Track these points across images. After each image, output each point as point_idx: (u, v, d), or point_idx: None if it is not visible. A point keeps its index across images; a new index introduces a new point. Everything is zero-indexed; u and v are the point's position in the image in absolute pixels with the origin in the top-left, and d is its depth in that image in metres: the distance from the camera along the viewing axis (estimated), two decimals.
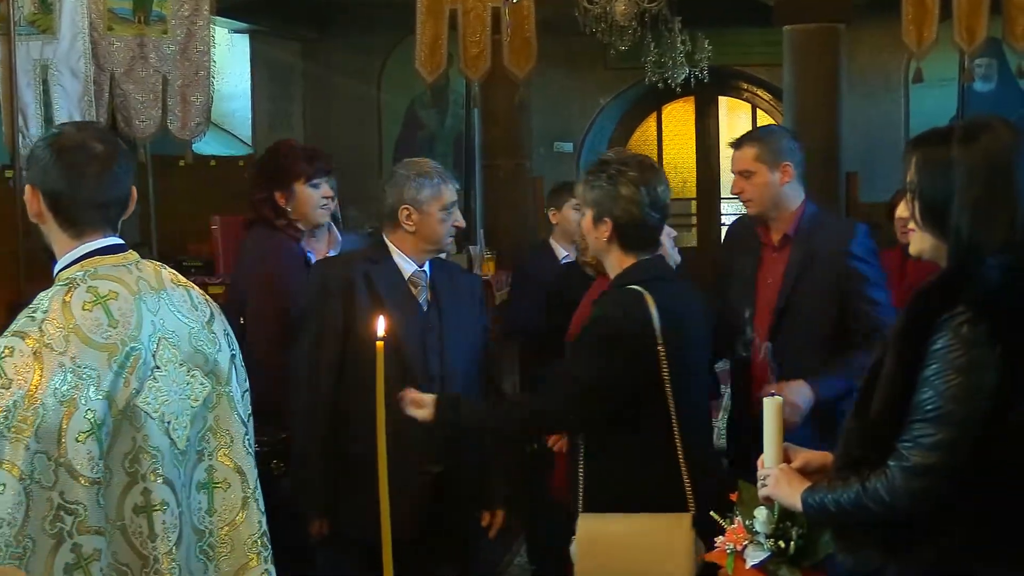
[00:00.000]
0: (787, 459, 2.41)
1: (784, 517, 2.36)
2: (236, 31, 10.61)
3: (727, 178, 5.22)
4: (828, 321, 3.68)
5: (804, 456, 2.42)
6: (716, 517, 2.48)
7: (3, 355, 2.17)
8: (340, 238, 4.93)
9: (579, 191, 3.24)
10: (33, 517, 2.13)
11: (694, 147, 12.53)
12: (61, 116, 5.28)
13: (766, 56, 10.39)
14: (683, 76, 9.02)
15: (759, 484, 2.42)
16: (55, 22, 5.25)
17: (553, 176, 10.21)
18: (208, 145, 7.73)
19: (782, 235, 3.83)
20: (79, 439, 2.16)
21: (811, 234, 3.76)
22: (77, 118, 5.27)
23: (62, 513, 2.15)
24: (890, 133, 10.59)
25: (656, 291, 3.03)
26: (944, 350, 2.09)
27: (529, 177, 8.93)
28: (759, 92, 11.84)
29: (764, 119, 11.97)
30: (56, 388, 2.16)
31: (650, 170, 3.13)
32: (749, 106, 12.26)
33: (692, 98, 11.62)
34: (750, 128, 12.49)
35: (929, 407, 2.09)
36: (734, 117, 12.53)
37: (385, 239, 3.57)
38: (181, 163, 5.83)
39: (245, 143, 10.70)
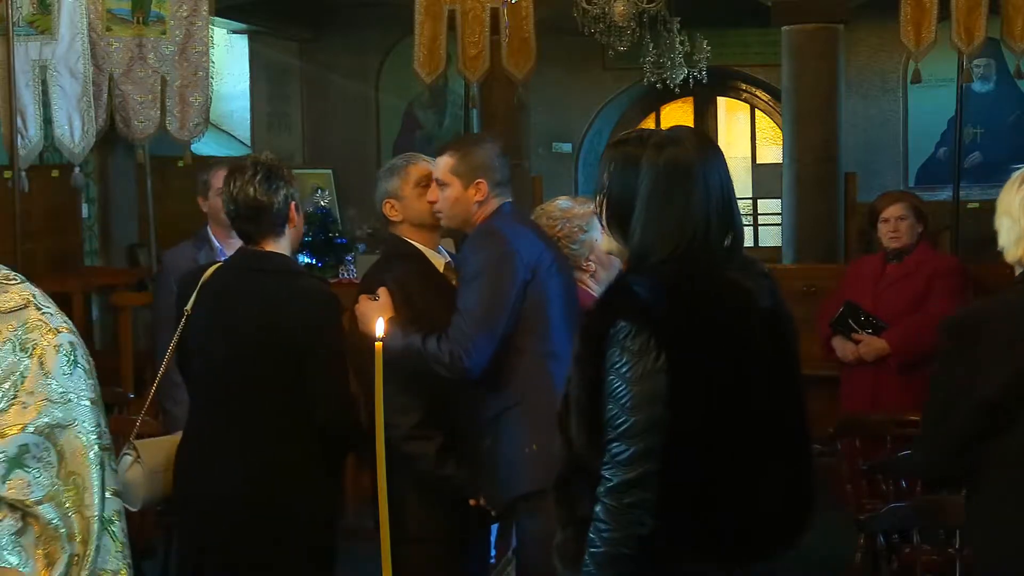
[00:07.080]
0: None
1: None
2: (234, 32, 10.63)
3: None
4: None
5: None
6: None
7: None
8: None
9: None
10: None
11: None
12: (60, 117, 5.29)
13: (765, 56, 10.40)
14: (682, 76, 9.05)
15: None
16: (54, 23, 5.25)
17: (552, 176, 10.22)
18: (207, 145, 7.73)
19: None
20: None
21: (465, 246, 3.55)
22: (76, 119, 5.27)
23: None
24: (888, 133, 10.60)
25: None
26: (617, 364, 2.12)
27: (528, 177, 8.93)
28: (757, 92, 11.83)
29: (762, 119, 11.97)
30: None
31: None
32: (748, 106, 12.25)
33: (691, 98, 11.62)
34: (748, 129, 12.61)
35: (618, 422, 2.11)
36: (733, 117, 12.52)
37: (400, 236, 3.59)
38: (180, 164, 5.84)
39: (244, 143, 10.71)
